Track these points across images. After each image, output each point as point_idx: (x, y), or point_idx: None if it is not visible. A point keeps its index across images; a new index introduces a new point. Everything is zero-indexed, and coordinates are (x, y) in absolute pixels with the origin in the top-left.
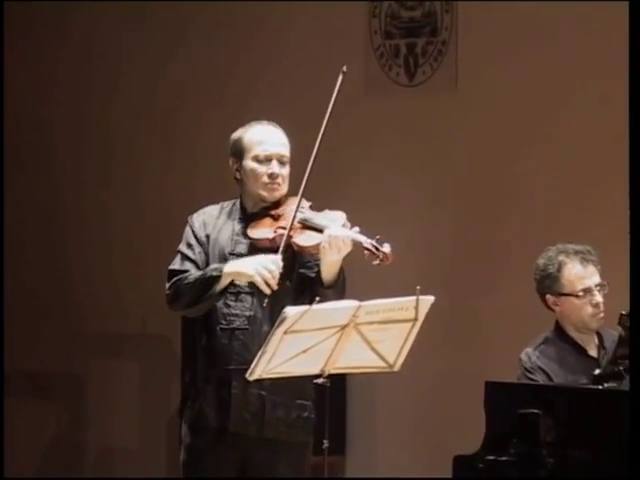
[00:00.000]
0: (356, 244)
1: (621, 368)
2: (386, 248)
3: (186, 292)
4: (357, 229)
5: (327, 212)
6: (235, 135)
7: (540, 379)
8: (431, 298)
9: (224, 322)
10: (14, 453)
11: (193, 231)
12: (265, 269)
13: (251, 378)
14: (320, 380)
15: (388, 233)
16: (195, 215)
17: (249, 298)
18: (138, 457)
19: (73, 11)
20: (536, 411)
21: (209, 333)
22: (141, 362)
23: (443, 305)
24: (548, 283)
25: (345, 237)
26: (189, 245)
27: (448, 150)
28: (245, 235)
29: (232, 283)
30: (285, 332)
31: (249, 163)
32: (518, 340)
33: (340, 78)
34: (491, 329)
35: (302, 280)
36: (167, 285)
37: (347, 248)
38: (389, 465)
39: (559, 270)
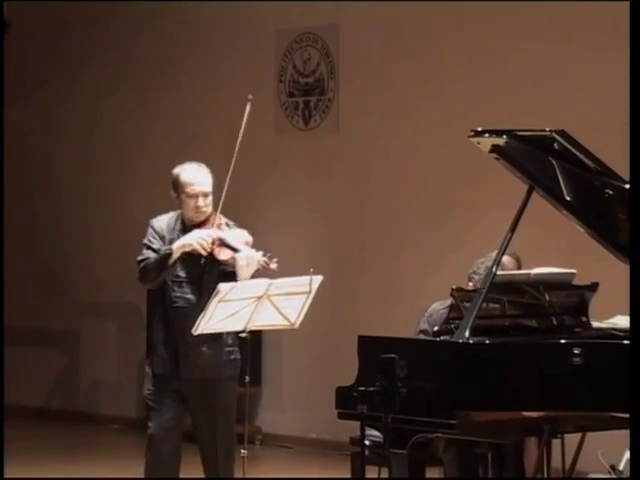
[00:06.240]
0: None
1: (452, 326)
2: (273, 265)
3: (150, 269)
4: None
5: (235, 230)
6: (174, 173)
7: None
8: (320, 277)
9: (173, 303)
10: (25, 388)
11: (153, 230)
12: (201, 238)
13: (195, 333)
14: (243, 334)
15: (290, 236)
16: (154, 220)
17: (188, 286)
18: (116, 389)
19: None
20: (393, 356)
21: (164, 310)
22: (119, 322)
23: (329, 282)
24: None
25: (257, 259)
26: (150, 240)
27: (332, 176)
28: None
29: (177, 275)
30: (219, 301)
31: (182, 197)
32: (382, 307)
33: (248, 106)
34: (362, 300)
35: (219, 273)
36: (138, 268)
37: (255, 265)
38: (292, 394)
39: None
